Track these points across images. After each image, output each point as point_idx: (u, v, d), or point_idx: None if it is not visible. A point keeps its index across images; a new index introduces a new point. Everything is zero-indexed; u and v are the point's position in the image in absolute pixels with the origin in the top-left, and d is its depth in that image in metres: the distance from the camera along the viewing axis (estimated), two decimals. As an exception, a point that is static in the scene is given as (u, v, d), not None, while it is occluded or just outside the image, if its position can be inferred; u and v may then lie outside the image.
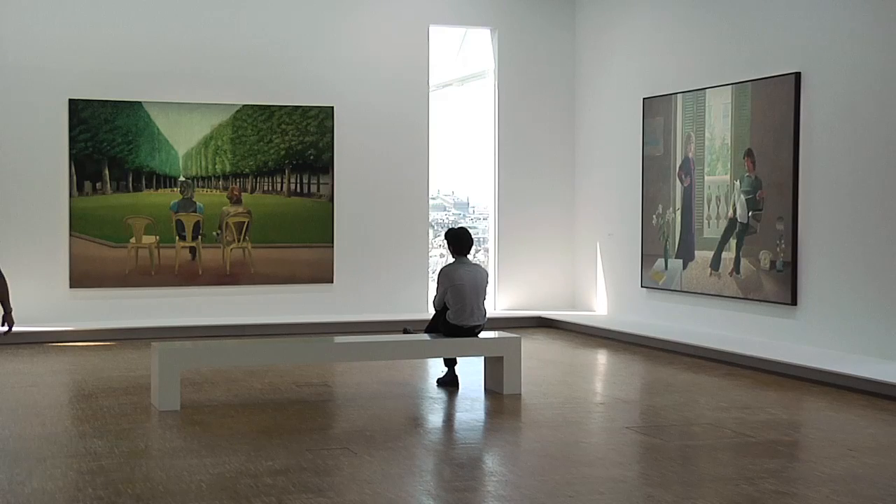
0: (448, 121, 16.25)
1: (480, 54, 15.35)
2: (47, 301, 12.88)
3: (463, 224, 14.35)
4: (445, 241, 9.65)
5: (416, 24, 14.36)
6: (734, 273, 11.90)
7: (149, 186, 13.37)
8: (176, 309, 13.35)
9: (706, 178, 12.35)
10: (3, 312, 7.55)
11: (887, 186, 10.14)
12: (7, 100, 12.90)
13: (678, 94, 12.80)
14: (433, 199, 15.65)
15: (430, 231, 15.19)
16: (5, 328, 7.59)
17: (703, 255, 12.41)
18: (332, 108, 13.98)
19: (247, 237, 13.73)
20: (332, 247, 14.00)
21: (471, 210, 18.28)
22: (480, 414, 8.54)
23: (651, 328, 12.62)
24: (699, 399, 9.03)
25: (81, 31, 13.11)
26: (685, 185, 12.72)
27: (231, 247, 13.67)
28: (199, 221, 13.56)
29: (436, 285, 9.48)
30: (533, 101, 14.86)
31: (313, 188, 13.97)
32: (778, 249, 11.26)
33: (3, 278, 7.55)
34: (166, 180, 13.44)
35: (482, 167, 15.31)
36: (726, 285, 12.03)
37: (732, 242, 11.93)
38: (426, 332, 9.66)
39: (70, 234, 13.02)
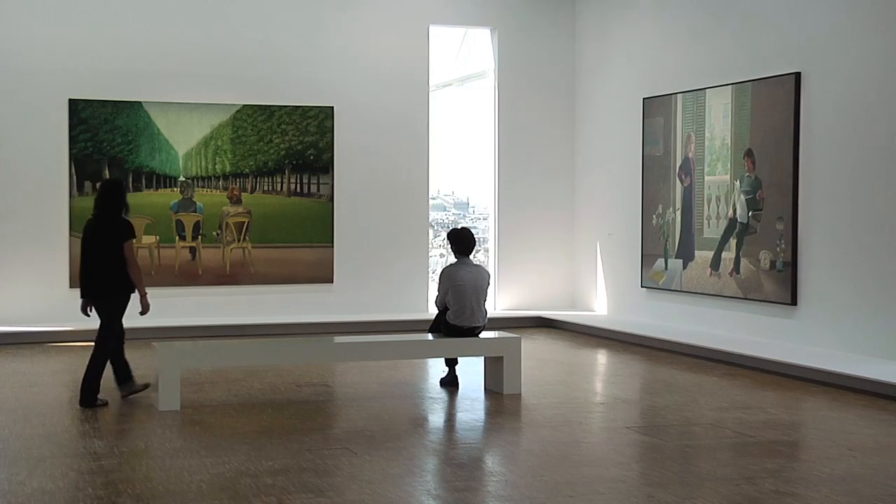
0: (448, 121, 16.25)
1: (480, 54, 15.35)
2: (47, 301, 12.88)
3: (463, 224, 14.34)
4: (447, 242, 9.64)
5: (416, 24, 14.36)
6: (734, 273, 11.90)
7: (149, 186, 13.37)
8: (176, 309, 13.34)
9: (706, 178, 12.35)
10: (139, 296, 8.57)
11: (887, 186, 10.14)
12: (7, 100, 12.90)
13: (678, 94, 12.79)
14: (433, 199, 15.65)
15: (430, 231, 15.19)
16: (141, 310, 8.59)
17: (703, 255, 12.41)
18: (332, 108, 13.98)
19: (247, 237, 13.73)
20: (332, 247, 14.00)
21: (471, 210, 18.28)
22: (480, 414, 8.54)
23: (651, 328, 12.61)
24: (699, 399, 9.03)
25: (81, 31, 13.11)
26: (685, 185, 12.72)
27: (231, 247, 13.67)
28: (199, 221, 13.56)
29: (437, 286, 9.48)
30: (533, 101, 14.86)
31: (313, 188, 13.97)
32: (778, 249, 11.26)
33: (137, 266, 8.54)
34: (166, 180, 13.44)
35: (482, 167, 15.31)
36: (726, 285, 12.03)
37: (732, 242, 11.93)
38: (429, 331, 9.68)
39: (70, 234, 13.00)
